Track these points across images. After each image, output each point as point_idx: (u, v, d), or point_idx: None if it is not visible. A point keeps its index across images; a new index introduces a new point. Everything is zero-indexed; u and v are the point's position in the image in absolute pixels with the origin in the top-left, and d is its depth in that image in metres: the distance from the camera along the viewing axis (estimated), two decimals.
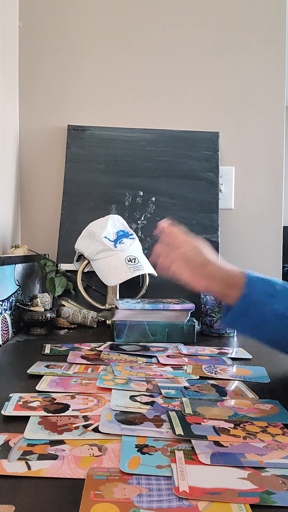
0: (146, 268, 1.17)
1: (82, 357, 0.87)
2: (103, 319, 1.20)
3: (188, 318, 1.04)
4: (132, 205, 1.37)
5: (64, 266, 1.30)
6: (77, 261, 1.29)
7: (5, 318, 1.05)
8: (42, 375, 0.75)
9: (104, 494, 0.42)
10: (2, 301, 1.04)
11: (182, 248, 0.77)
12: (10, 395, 0.66)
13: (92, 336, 1.08)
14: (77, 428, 0.56)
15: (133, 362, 0.84)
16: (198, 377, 0.77)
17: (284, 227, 1.50)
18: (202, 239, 0.79)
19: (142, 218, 1.36)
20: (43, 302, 1.12)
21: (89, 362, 0.83)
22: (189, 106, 1.46)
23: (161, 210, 1.37)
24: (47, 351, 0.91)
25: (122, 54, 1.44)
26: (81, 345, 0.96)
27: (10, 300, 1.09)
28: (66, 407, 0.62)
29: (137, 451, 0.50)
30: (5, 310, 1.05)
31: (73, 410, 0.61)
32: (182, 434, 0.54)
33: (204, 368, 0.82)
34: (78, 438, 0.53)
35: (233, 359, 0.90)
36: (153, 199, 1.37)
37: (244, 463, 0.48)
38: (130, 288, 1.28)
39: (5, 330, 1.04)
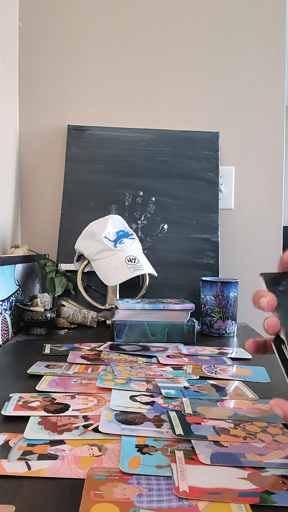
0: (146, 268, 1.17)
1: (82, 357, 0.87)
2: (103, 319, 1.20)
3: (188, 318, 1.04)
4: (132, 205, 1.37)
5: (64, 266, 1.30)
6: (77, 261, 1.29)
7: (5, 318, 1.05)
8: (42, 375, 0.75)
9: (104, 494, 0.42)
10: (2, 301, 1.04)
11: None
12: (10, 395, 0.66)
13: (92, 336, 1.08)
14: (77, 428, 0.56)
15: (133, 362, 0.84)
16: (198, 377, 0.77)
17: (284, 227, 1.50)
18: None
19: (142, 218, 1.36)
20: (43, 302, 1.12)
21: (89, 362, 0.83)
22: (189, 106, 1.46)
23: (161, 210, 1.37)
24: (47, 351, 0.91)
25: (122, 54, 1.44)
26: (81, 345, 0.96)
27: (10, 300, 1.09)
28: (66, 407, 0.62)
29: (137, 451, 0.50)
30: (5, 310, 1.05)
31: (73, 410, 0.61)
32: (182, 434, 0.54)
33: (204, 368, 0.82)
34: (78, 438, 0.53)
35: (233, 359, 0.90)
36: (153, 199, 1.37)
37: (244, 463, 0.48)
38: (130, 288, 1.28)
39: (5, 330, 1.04)
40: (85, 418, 0.59)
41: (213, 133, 1.43)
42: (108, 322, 1.18)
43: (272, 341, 0.48)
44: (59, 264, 1.31)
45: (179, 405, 0.64)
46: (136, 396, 0.67)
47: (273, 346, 0.47)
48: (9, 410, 0.60)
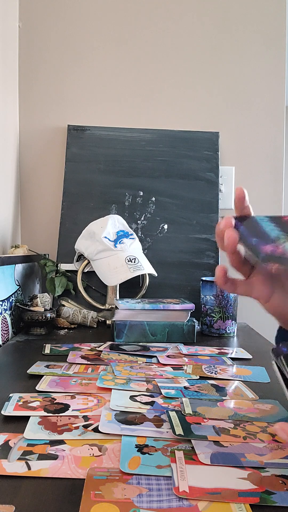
0: (146, 268, 1.17)
1: (82, 357, 0.87)
2: (103, 319, 1.20)
3: (188, 318, 1.04)
4: (132, 205, 1.37)
5: (64, 266, 1.30)
6: (77, 261, 1.29)
7: (5, 318, 1.05)
8: (42, 375, 0.75)
9: (104, 494, 0.42)
10: (2, 301, 1.04)
11: None
12: (10, 395, 0.66)
13: (92, 336, 1.08)
14: (77, 428, 0.56)
15: (133, 362, 0.84)
16: (198, 377, 0.77)
17: None
18: None
19: (142, 218, 1.36)
20: (43, 302, 1.12)
21: (89, 362, 0.83)
22: (189, 106, 1.46)
23: (161, 210, 1.37)
24: (47, 351, 0.91)
25: (122, 54, 1.44)
26: (81, 345, 0.96)
27: (10, 300, 1.09)
28: (66, 407, 0.62)
29: (137, 451, 0.50)
30: (5, 310, 1.05)
31: (73, 410, 0.61)
32: (182, 434, 0.54)
33: (204, 368, 0.82)
34: (78, 438, 0.53)
35: (233, 359, 0.90)
36: (153, 199, 1.37)
37: (244, 463, 0.48)
38: (130, 288, 1.28)
39: (5, 330, 1.04)
40: (85, 418, 0.59)
41: (213, 133, 1.43)
42: (108, 322, 1.18)
43: (273, 360, 0.47)
44: (59, 264, 1.31)
45: (179, 405, 0.64)
46: (136, 396, 0.67)
47: (275, 366, 0.47)
48: (9, 410, 0.60)
